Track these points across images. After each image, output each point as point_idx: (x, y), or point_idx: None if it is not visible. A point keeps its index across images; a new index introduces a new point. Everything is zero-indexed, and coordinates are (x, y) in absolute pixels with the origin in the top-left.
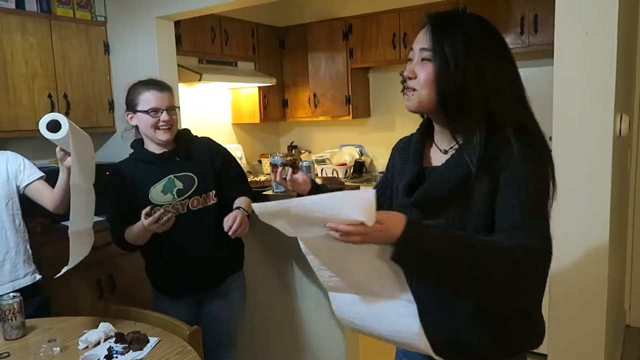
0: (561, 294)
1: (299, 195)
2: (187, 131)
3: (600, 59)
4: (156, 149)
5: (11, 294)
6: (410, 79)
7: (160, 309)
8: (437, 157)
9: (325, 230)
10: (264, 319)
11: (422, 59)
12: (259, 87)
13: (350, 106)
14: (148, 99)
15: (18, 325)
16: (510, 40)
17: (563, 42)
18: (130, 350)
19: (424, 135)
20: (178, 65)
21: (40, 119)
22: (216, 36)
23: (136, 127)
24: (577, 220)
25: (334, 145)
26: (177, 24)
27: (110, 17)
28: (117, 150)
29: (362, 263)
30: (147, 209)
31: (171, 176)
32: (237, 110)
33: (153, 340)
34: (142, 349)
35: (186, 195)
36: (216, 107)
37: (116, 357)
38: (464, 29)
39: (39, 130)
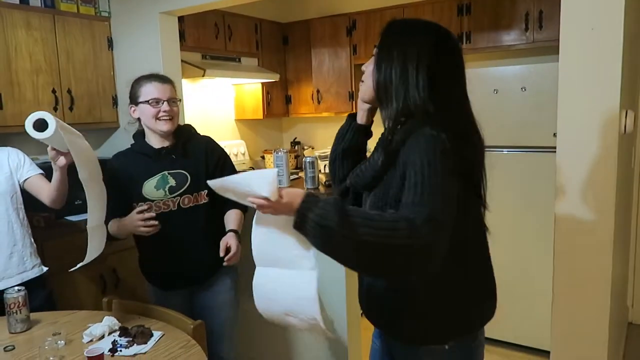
0: (564, 290)
1: None
2: (189, 127)
3: (606, 55)
4: (156, 143)
5: (16, 288)
6: (363, 72)
7: (153, 301)
8: None
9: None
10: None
11: (372, 55)
12: (262, 83)
13: (354, 102)
14: (149, 90)
15: (23, 318)
16: (514, 36)
17: (568, 38)
18: (135, 344)
19: None
20: (182, 60)
21: (27, 117)
22: (220, 32)
23: (139, 120)
24: (581, 216)
25: None
26: (181, 19)
27: (114, 13)
28: (121, 145)
29: (282, 237)
30: (144, 206)
31: (165, 172)
32: (240, 106)
33: (157, 334)
34: (146, 343)
35: (177, 192)
36: (219, 103)
37: (120, 350)
38: (409, 35)
39: (25, 129)
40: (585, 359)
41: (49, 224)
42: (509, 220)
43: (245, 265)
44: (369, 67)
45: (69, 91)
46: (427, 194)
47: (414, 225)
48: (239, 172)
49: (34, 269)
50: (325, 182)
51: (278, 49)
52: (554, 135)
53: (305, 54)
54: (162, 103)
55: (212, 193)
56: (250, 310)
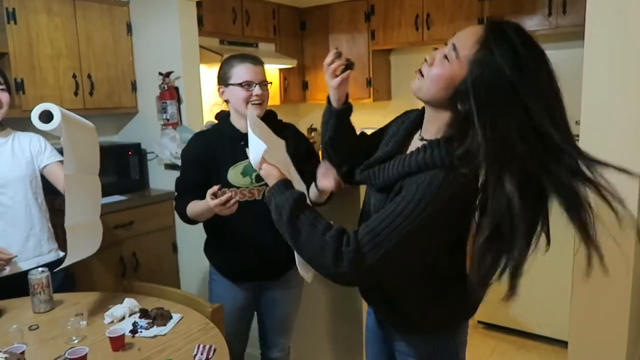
0: (583, 280)
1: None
2: (274, 114)
3: (635, 40)
4: (242, 127)
5: (39, 269)
6: (426, 62)
7: (218, 290)
8: (414, 145)
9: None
10: (317, 309)
11: (445, 56)
12: (280, 69)
13: (371, 89)
14: (242, 72)
15: (46, 299)
16: (537, 21)
17: (594, 22)
18: (155, 326)
19: (417, 121)
20: (199, 46)
21: (34, 107)
22: (237, 17)
23: (226, 102)
24: (601, 207)
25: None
26: (199, 4)
27: None
28: (140, 131)
29: None
30: (215, 188)
31: None
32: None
33: (176, 317)
34: (165, 325)
35: (264, 181)
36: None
37: (141, 331)
38: (511, 54)
39: (30, 121)
40: (603, 349)
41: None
42: None
43: None
44: (436, 70)
45: (89, 76)
46: (382, 235)
47: (339, 255)
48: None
49: (51, 253)
50: None
51: (296, 35)
52: (577, 123)
53: (323, 40)
54: (255, 86)
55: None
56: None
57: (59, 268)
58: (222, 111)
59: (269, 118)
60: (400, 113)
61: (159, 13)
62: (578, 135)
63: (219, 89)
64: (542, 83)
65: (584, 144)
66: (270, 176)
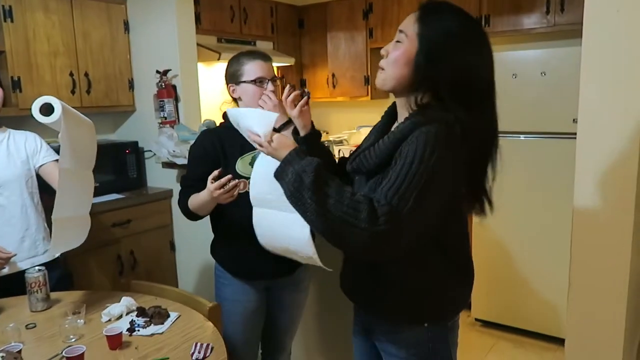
0: (581, 278)
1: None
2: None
3: (632, 38)
4: None
5: (36, 267)
6: (383, 57)
7: (228, 293)
8: None
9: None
10: (318, 309)
11: (397, 41)
12: (277, 67)
13: (369, 87)
14: (254, 69)
15: (43, 297)
16: (535, 19)
17: (592, 20)
18: (152, 324)
19: (393, 114)
20: (197, 44)
21: (34, 101)
22: (235, 15)
23: (235, 100)
24: (601, 205)
25: (352, 127)
26: (197, 2)
27: None
28: (137, 129)
29: (274, 181)
30: (215, 172)
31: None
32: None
33: (173, 315)
34: (163, 323)
35: None
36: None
37: (138, 330)
38: (445, 25)
39: (31, 115)
40: (601, 347)
41: None
42: (526, 207)
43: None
44: (394, 54)
45: (86, 74)
46: (404, 187)
47: (374, 212)
48: None
49: (46, 254)
50: None
51: (293, 33)
52: (574, 121)
53: (321, 38)
54: (267, 82)
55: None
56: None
57: (43, 261)
58: (228, 109)
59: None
60: None
61: (157, 11)
62: (575, 134)
63: (229, 88)
64: (479, 44)
65: (581, 142)
66: (285, 146)
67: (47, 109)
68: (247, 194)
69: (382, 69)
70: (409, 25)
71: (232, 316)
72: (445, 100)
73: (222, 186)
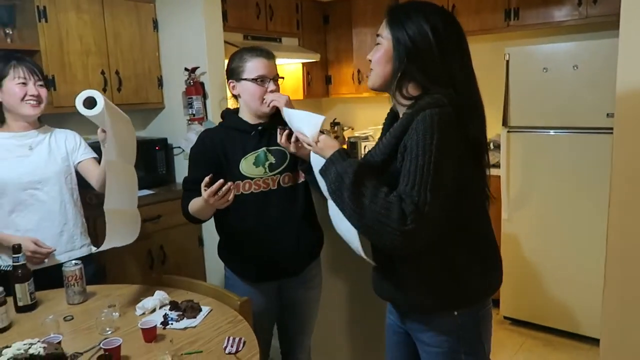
0: (616, 278)
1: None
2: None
3: None
4: (251, 119)
5: (73, 261)
6: (370, 61)
7: (234, 292)
8: None
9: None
10: (333, 307)
11: (376, 44)
12: (303, 63)
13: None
14: (255, 66)
15: (80, 290)
16: (566, 12)
17: (630, 10)
18: (185, 318)
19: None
20: (224, 41)
21: (77, 95)
22: (261, 12)
23: (235, 97)
24: (636, 202)
25: (377, 122)
26: (223, 0)
27: None
28: (166, 126)
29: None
30: (207, 179)
31: (264, 149)
32: (281, 86)
33: (205, 309)
34: (195, 317)
35: (278, 170)
36: None
37: (171, 323)
38: (414, 20)
39: (74, 106)
40: (636, 347)
41: (102, 201)
42: (557, 204)
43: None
44: (376, 55)
45: (117, 72)
46: (418, 182)
47: (403, 214)
48: None
49: (82, 248)
50: None
51: (319, 29)
52: (607, 115)
53: (346, 34)
54: (269, 82)
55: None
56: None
57: (95, 251)
58: (227, 109)
59: (279, 112)
60: None
61: (185, 9)
62: (610, 129)
63: (229, 84)
64: (446, 29)
65: (618, 137)
66: (329, 147)
67: (89, 103)
68: (251, 195)
69: (371, 70)
70: (383, 29)
71: None
72: (430, 87)
73: (216, 192)
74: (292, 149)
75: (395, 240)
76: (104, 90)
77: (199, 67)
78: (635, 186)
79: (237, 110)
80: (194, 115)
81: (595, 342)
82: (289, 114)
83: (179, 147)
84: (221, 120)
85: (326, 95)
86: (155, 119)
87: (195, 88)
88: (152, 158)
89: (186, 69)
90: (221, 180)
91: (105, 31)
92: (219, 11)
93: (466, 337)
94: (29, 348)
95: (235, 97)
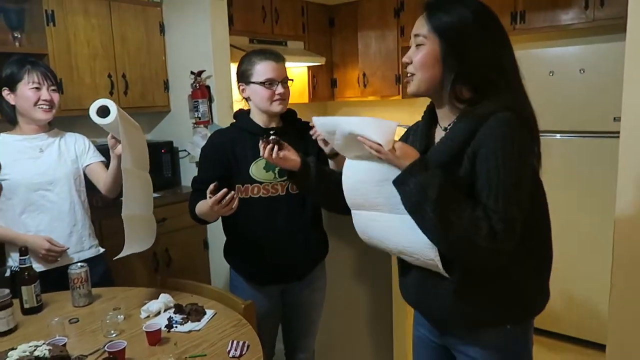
0: (623, 283)
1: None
2: (294, 112)
3: None
4: (262, 122)
5: (79, 264)
6: (407, 64)
7: (238, 294)
8: (440, 135)
9: (358, 148)
10: (336, 308)
11: (417, 45)
12: (308, 67)
13: (400, 86)
14: (264, 69)
15: (85, 293)
16: (573, 15)
17: (638, 13)
18: (189, 321)
19: (431, 117)
20: (230, 45)
21: (91, 104)
22: (267, 15)
23: (246, 100)
24: None
25: None
26: (229, 3)
27: None
28: (172, 129)
29: (384, 185)
30: (211, 186)
31: None
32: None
33: (210, 313)
34: (199, 321)
35: (286, 176)
36: None
37: (176, 326)
38: (458, 12)
39: (89, 115)
40: None
41: (107, 203)
42: (564, 208)
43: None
44: (418, 58)
45: (124, 76)
46: (504, 199)
47: (493, 231)
48: None
49: (91, 249)
50: None
51: (324, 32)
52: (614, 119)
53: (352, 37)
54: (277, 84)
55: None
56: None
57: (116, 257)
58: (240, 110)
59: (291, 112)
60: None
61: (191, 13)
62: (617, 133)
63: (239, 87)
64: (493, 24)
65: (625, 141)
66: (408, 156)
67: (103, 111)
68: (259, 199)
69: (411, 75)
70: (422, 27)
71: None
72: (488, 89)
73: (220, 201)
74: (271, 162)
75: (483, 257)
76: (110, 94)
77: (205, 71)
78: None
79: (249, 111)
80: (199, 118)
81: (601, 347)
82: (338, 122)
83: (185, 151)
84: (234, 120)
85: (332, 98)
86: (161, 122)
87: (201, 91)
88: (157, 161)
89: (192, 73)
90: (225, 190)
91: (113, 35)
92: (225, 15)
93: (517, 352)
94: (34, 350)
95: (246, 100)
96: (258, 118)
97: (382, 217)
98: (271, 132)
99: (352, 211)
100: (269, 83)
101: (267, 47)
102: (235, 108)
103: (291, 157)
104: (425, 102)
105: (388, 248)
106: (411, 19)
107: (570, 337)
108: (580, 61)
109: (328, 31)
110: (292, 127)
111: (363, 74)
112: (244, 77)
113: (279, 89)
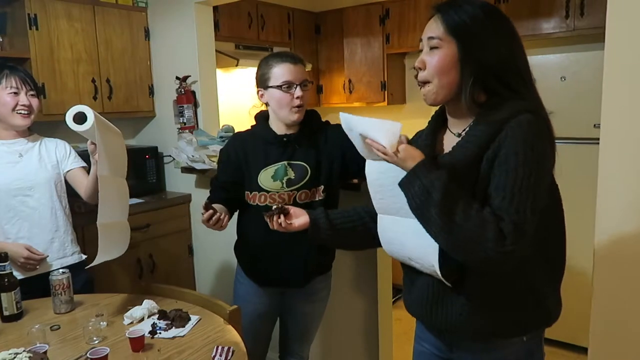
0: (605, 288)
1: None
2: (317, 115)
3: None
4: (279, 129)
5: (60, 270)
6: (420, 69)
7: (242, 291)
8: (450, 141)
9: (369, 149)
10: (341, 317)
11: (431, 48)
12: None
13: (386, 92)
14: (281, 72)
15: (67, 299)
16: (554, 24)
17: (615, 24)
18: (173, 327)
19: (437, 124)
20: (216, 50)
21: (67, 110)
22: (253, 21)
23: (266, 105)
24: (625, 212)
25: None
26: (215, 9)
27: (151, 3)
28: (157, 134)
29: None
30: (203, 204)
31: (285, 163)
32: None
33: (194, 318)
34: (184, 326)
35: (295, 186)
36: (252, 93)
37: (160, 333)
38: (472, 13)
39: (65, 121)
40: (623, 356)
41: (90, 209)
42: None
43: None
44: (433, 62)
45: (108, 81)
46: (518, 201)
47: (501, 233)
48: None
49: (74, 255)
50: None
51: (310, 39)
52: (595, 126)
53: (338, 44)
54: (295, 88)
55: (328, 189)
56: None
57: (88, 266)
58: (261, 111)
59: (312, 117)
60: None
61: (177, 18)
62: (598, 139)
63: (257, 92)
64: (506, 23)
65: (604, 148)
66: (412, 157)
67: (80, 118)
68: (265, 208)
69: (427, 83)
70: (436, 29)
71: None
72: (505, 91)
73: (209, 219)
74: (287, 229)
75: (490, 260)
76: (94, 99)
77: (190, 76)
78: (621, 197)
79: (267, 116)
80: (184, 124)
81: (583, 350)
82: (355, 121)
83: (170, 156)
84: (230, 125)
85: (317, 105)
86: (145, 128)
87: (186, 97)
88: (142, 166)
89: (177, 78)
90: (210, 212)
91: (97, 39)
92: (210, 20)
93: None
94: (14, 358)
95: (266, 105)
96: (275, 125)
97: (399, 222)
98: (272, 206)
99: (378, 215)
100: (286, 86)
101: (285, 50)
102: (252, 113)
103: (299, 219)
104: (411, 109)
105: (398, 255)
106: (396, 27)
107: (554, 340)
108: (562, 69)
109: (314, 38)
110: (310, 136)
111: (349, 80)
112: (262, 82)
113: (297, 92)
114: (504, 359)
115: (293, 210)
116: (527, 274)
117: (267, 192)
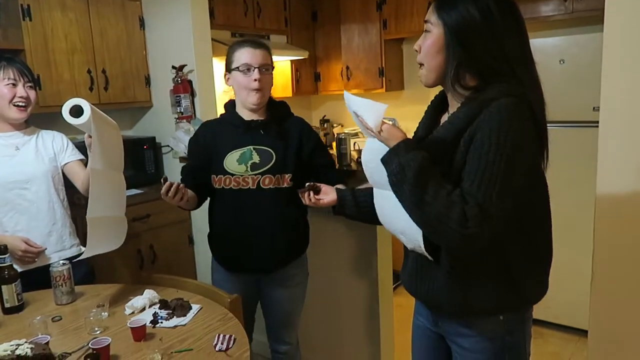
0: (604, 270)
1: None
2: (284, 105)
3: None
4: (246, 115)
5: (61, 262)
6: (417, 52)
7: (218, 278)
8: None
9: (362, 126)
10: (324, 300)
11: (425, 31)
12: (291, 61)
13: (384, 79)
14: (241, 55)
15: (68, 291)
16: (552, 7)
17: (614, 5)
18: (174, 317)
19: (440, 103)
20: (212, 39)
21: (64, 103)
22: (248, 9)
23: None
24: (624, 195)
25: None
26: None
27: None
28: (154, 124)
29: None
30: (163, 177)
31: (250, 147)
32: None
33: (195, 307)
34: (185, 315)
35: (259, 171)
36: None
37: (161, 322)
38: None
39: (61, 114)
40: (624, 339)
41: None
42: None
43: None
44: (425, 44)
45: (104, 71)
46: (486, 185)
47: (464, 215)
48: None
49: (72, 248)
50: (357, 159)
51: (307, 26)
52: (594, 109)
53: (335, 30)
54: (253, 70)
55: (296, 179)
56: (308, 296)
57: (77, 259)
58: (230, 100)
59: (280, 107)
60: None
61: (172, 7)
62: (597, 122)
63: (225, 76)
64: (505, 15)
65: (603, 130)
66: (394, 137)
67: (76, 111)
68: (230, 191)
69: (421, 65)
70: (432, 13)
71: None
72: (492, 76)
73: (167, 192)
74: (317, 204)
75: (454, 241)
76: (90, 90)
77: (186, 65)
78: (621, 179)
79: (235, 103)
80: (182, 113)
81: (583, 333)
82: (350, 100)
83: (168, 146)
84: (223, 111)
85: (315, 92)
86: (143, 118)
87: (183, 86)
88: (140, 157)
89: (174, 67)
90: (168, 183)
91: (91, 29)
92: (206, 9)
93: (511, 343)
94: (16, 349)
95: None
96: (241, 109)
97: (390, 196)
98: (307, 184)
99: (373, 189)
100: (246, 69)
101: (249, 37)
102: (222, 99)
103: (328, 196)
104: (410, 95)
105: (391, 228)
106: (393, 12)
107: (555, 323)
108: (561, 52)
109: (311, 25)
110: (279, 122)
111: (346, 67)
112: (227, 65)
113: (255, 74)
114: (481, 336)
115: (324, 188)
116: (502, 253)
117: (232, 175)
